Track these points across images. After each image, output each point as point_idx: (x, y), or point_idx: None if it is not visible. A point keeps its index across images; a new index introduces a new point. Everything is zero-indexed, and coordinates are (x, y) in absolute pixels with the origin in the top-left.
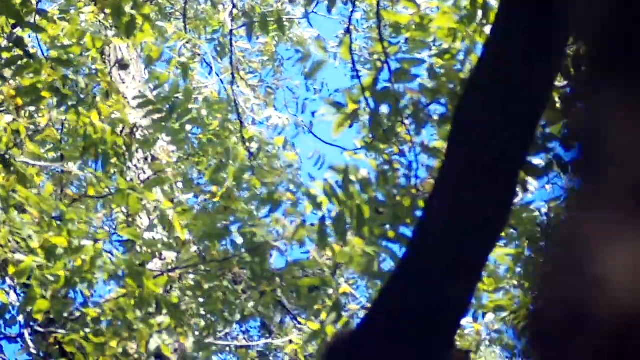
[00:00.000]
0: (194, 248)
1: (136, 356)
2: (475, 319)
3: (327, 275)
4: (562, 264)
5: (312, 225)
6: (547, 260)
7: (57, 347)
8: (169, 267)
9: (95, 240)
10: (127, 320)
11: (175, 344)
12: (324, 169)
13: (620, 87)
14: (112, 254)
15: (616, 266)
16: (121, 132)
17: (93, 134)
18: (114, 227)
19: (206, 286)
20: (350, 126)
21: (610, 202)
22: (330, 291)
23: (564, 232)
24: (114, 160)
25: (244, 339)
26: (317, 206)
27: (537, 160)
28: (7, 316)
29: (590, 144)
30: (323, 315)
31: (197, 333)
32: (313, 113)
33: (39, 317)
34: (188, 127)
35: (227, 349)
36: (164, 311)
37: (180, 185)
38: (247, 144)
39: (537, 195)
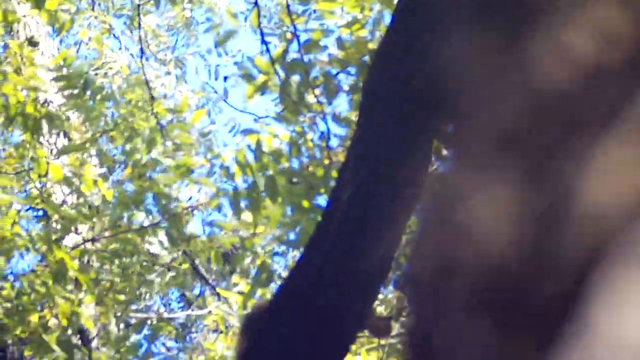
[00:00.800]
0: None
1: (58, 331)
2: (396, 286)
3: (246, 238)
4: (433, 215)
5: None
6: (427, 207)
7: None
8: (84, 238)
9: (18, 212)
10: (48, 294)
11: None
12: (239, 137)
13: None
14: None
15: (479, 215)
16: (39, 102)
17: (14, 104)
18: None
19: (124, 260)
20: (262, 94)
21: (476, 148)
22: (249, 258)
23: (436, 185)
24: (26, 137)
25: (165, 311)
26: (230, 177)
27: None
28: None
29: (455, 90)
30: (243, 285)
31: (116, 307)
32: (225, 78)
33: None
34: (102, 105)
35: (148, 322)
36: (84, 288)
37: (94, 158)
38: (158, 117)
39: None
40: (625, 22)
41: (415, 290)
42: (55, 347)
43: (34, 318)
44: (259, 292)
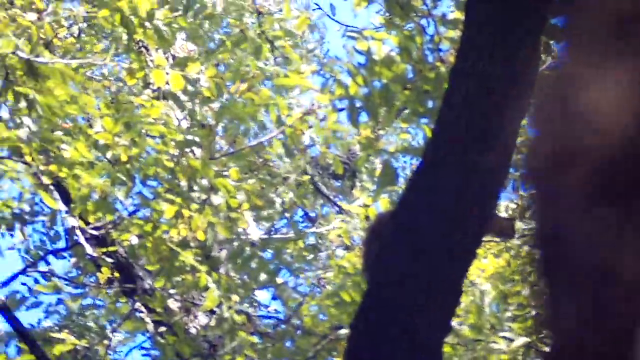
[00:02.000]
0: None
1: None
2: (515, 188)
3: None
4: (552, 102)
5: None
6: (541, 102)
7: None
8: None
9: None
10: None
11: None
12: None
13: None
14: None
15: (600, 101)
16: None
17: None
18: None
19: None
20: (369, 4)
21: (592, 37)
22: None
23: (554, 74)
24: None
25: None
26: (344, 88)
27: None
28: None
29: None
30: (364, 199)
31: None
32: None
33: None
34: (205, 25)
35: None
36: (220, 193)
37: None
38: (266, 32)
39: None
40: None
41: (537, 185)
42: (192, 261)
43: (173, 231)
44: (382, 201)
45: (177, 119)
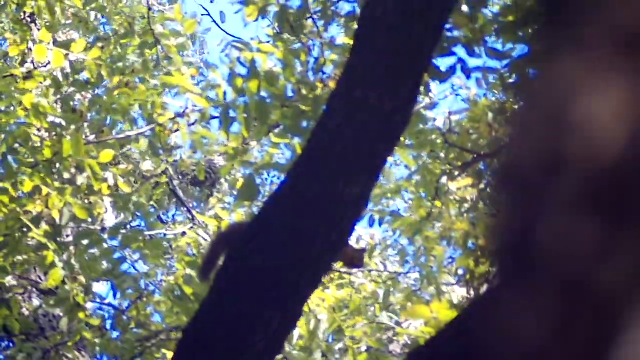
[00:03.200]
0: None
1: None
2: (371, 224)
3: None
4: (538, 112)
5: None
6: (522, 111)
7: None
8: None
9: None
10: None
11: None
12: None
13: None
14: None
15: (596, 112)
16: None
17: None
18: None
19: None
20: (262, 17)
21: (589, 45)
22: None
23: (541, 81)
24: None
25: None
26: (222, 94)
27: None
28: None
29: None
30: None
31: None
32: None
33: None
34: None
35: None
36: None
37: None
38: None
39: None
40: None
41: (515, 185)
42: (42, 238)
43: (29, 206)
44: (237, 214)
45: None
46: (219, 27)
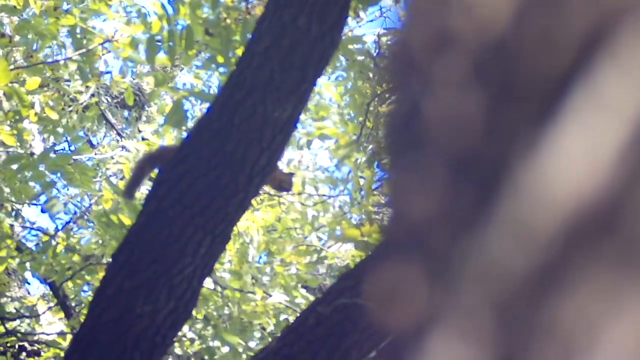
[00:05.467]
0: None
1: None
2: (301, 147)
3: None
4: None
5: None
6: None
7: None
8: None
9: None
10: None
11: None
12: None
13: None
14: None
15: None
16: None
17: None
18: None
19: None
20: None
21: None
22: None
23: None
24: None
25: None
26: (148, 24)
27: None
28: None
29: None
30: (149, 133)
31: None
32: None
33: None
34: None
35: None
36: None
37: None
38: None
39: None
40: None
41: (405, 66)
42: None
43: None
44: (168, 139)
45: None
46: None
